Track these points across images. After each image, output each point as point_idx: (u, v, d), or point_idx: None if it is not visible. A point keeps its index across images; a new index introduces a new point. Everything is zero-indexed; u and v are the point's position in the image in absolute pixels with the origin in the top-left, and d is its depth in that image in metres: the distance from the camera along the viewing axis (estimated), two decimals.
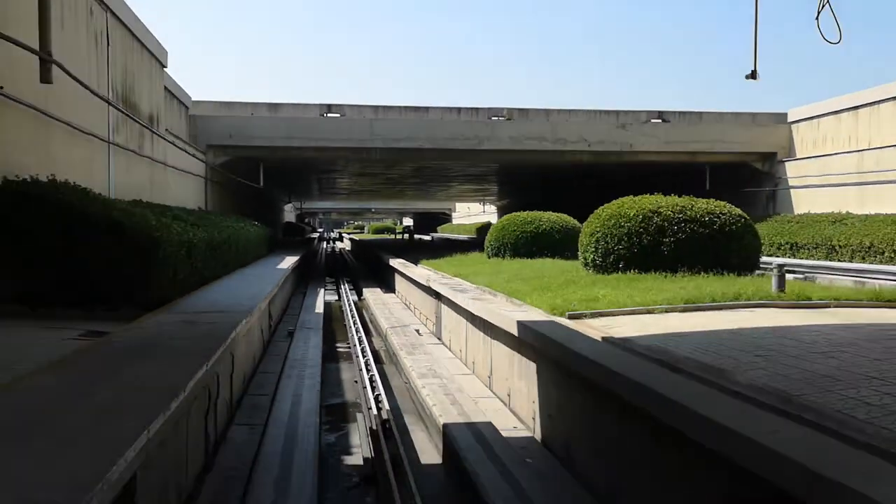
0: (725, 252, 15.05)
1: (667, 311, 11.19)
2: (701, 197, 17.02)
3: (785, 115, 33.33)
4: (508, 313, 11.01)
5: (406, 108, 33.81)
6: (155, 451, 5.09)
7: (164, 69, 22.93)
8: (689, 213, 15.46)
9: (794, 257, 27.06)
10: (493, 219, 62.71)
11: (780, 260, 21.40)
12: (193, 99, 29.34)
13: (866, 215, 25.98)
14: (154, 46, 20.92)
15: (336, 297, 29.29)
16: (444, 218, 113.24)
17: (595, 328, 9.82)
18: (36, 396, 5.49)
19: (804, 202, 30.80)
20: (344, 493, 8.49)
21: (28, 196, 10.32)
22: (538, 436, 9.21)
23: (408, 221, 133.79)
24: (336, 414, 11.92)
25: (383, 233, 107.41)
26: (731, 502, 5.05)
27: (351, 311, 23.74)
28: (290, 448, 8.73)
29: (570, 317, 10.84)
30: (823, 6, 10.57)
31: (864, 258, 24.03)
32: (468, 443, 8.75)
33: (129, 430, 4.52)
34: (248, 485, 7.59)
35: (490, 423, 9.55)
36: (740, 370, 6.90)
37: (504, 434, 9.19)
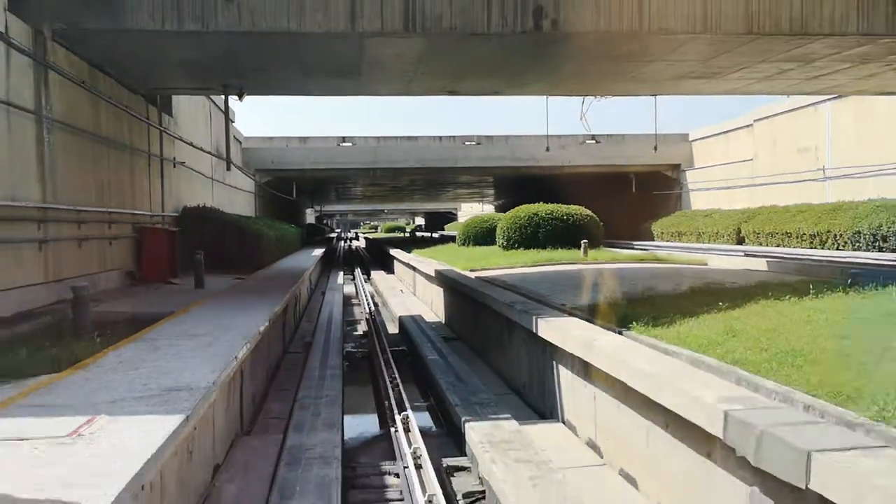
0: (576, 236, 25.76)
1: (522, 267, 22.00)
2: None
3: (687, 135, 43.97)
4: (439, 268, 21.97)
5: (401, 137, 44.83)
6: (280, 314, 16.05)
7: (233, 123, 34.12)
8: (555, 213, 26.36)
9: (679, 241, 37.81)
10: None
11: (641, 243, 32.28)
12: (245, 135, 40.53)
13: (724, 210, 36.62)
14: (231, 113, 32.06)
15: (351, 277, 40.36)
16: (451, 217, 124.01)
17: (476, 274, 20.72)
18: (228, 297, 16.58)
19: (697, 201, 41.49)
20: (354, 343, 19.45)
21: (201, 214, 21.47)
22: (441, 319, 20.26)
23: (419, 220, 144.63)
24: (351, 322, 23.00)
25: (394, 231, 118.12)
26: (491, 319, 15.96)
27: (361, 283, 34.89)
28: (330, 330, 19.68)
29: (471, 271, 21.75)
30: (585, 112, 21.48)
31: (713, 241, 34.74)
32: (408, 321, 19.78)
33: (271, 305, 15.60)
34: (312, 338, 18.53)
35: (421, 315, 20.62)
36: (523, 285, 17.72)
37: (427, 319, 20.22)
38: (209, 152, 27.89)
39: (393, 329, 20.94)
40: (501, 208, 70.84)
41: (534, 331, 10.32)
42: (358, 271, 42.37)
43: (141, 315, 10.97)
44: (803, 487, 4.21)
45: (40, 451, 4.39)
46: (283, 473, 7.54)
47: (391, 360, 14.78)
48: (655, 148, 39.29)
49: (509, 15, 13.53)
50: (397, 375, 13.34)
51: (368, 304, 26.26)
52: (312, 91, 20.05)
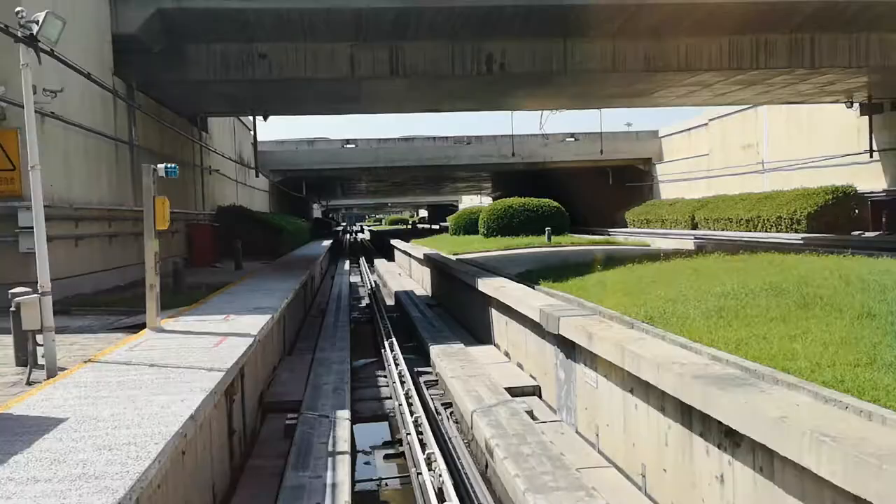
0: (545, 225, 30.60)
1: (495, 251, 26.86)
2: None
3: (657, 131, 48.73)
4: (430, 253, 26.89)
5: (399, 139, 49.74)
6: (300, 290, 20.98)
7: (251, 131, 39.05)
8: (527, 206, 31.24)
9: (647, 228, 42.61)
10: None
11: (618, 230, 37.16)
12: (259, 139, 45.45)
13: (685, 199, 41.39)
14: (248, 123, 37.05)
15: (357, 265, 45.34)
16: (453, 209, 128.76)
17: (457, 257, 25.61)
18: (264, 274, 21.57)
19: (665, 191, 46.27)
20: (359, 311, 24.38)
21: (233, 212, 26.43)
22: (429, 293, 25.22)
23: (423, 212, 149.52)
24: (356, 298, 27.98)
25: (398, 224, 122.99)
26: (459, 287, 20.86)
27: (365, 269, 39.88)
28: (338, 303, 24.63)
29: (454, 254, 26.66)
30: (545, 122, 26.37)
31: (673, 226, 39.53)
32: (402, 295, 24.75)
33: (288, 288, 20.57)
34: (326, 307, 23.46)
35: (413, 291, 25.60)
36: (487, 262, 22.59)
37: (417, 293, 25.19)
38: (234, 160, 32.92)
39: (390, 302, 25.90)
40: (497, 199, 76.09)
41: (478, 288, 15.23)
42: (362, 260, 47.40)
43: (210, 283, 15.93)
44: (555, 332, 9.18)
45: (216, 325, 9.37)
46: (316, 369, 12.53)
47: (386, 319, 19.73)
48: (579, 155, 44.80)
49: (468, 63, 18.45)
50: (390, 327, 18.29)
51: (371, 284, 31.27)
52: (323, 112, 25.08)
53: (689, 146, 44.31)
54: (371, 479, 9.15)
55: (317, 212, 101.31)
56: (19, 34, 6.78)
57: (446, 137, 49.10)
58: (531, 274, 15.70)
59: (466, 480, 8.26)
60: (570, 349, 9.27)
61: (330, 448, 8.17)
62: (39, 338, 7.12)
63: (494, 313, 14.40)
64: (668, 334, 7.71)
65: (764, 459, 5.09)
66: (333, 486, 7.13)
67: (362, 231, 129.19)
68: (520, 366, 12.28)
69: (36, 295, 6.97)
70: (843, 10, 17.94)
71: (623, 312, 9.33)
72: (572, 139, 48.77)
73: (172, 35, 16.73)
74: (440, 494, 7.47)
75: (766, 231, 30.64)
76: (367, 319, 22.30)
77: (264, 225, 26.71)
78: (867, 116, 27.51)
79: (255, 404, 9.81)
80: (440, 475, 7.83)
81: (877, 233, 26.59)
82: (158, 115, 19.66)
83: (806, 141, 32.11)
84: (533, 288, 14.05)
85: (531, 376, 11.50)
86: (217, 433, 7.10)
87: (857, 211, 28.42)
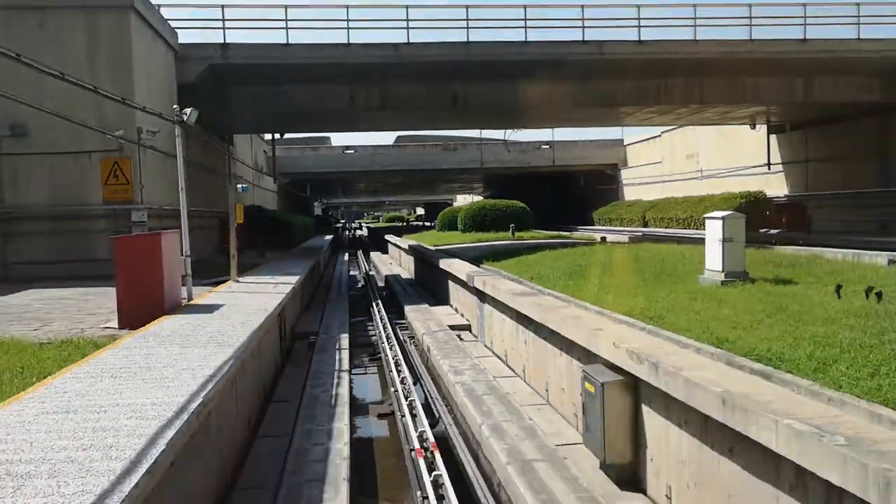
0: (513, 222, 36.64)
1: (468, 243, 33.00)
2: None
3: (622, 140, 54.77)
4: (413, 244, 32.95)
5: (392, 146, 55.76)
6: (308, 275, 27.02)
7: (264, 141, 45.09)
8: (498, 206, 37.30)
9: (609, 225, 48.65)
10: None
11: (590, 228, 43.29)
12: (265, 145, 51.45)
13: (642, 201, 47.42)
14: (264, 134, 43.11)
15: (355, 257, 51.39)
16: (449, 206, 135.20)
17: (436, 247, 31.67)
18: (283, 259, 27.66)
19: (629, 194, 52.31)
20: (355, 290, 30.43)
21: (253, 211, 32.49)
22: (412, 276, 31.32)
23: (421, 210, 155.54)
24: (354, 280, 34.05)
25: (394, 221, 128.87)
26: (431, 268, 26.90)
27: (362, 260, 45.97)
28: (340, 282, 30.67)
29: (434, 246, 32.76)
30: (508, 137, 32.44)
31: (629, 224, 45.56)
32: (391, 278, 30.86)
33: (304, 267, 26.66)
34: (330, 286, 29.49)
35: (399, 275, 31.72)
36: (456, 251, 28.61)
37: (403, 277, 31.29)
38: (251, 167, 38.96)
39: (381, 284, 31.98)
40: (488, 199, 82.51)
41: (440, 266, 21.27)
42: (360, 253, 53.49)
43: (244, 264, 21.92)
44: (473, 286, 15.27)
45: (266, 281, 15.44)
46: (326, 321, 18.60)
47: (376, 293, 25.80)
48: (553, 161, 51.22)
49: (439, 98, 24.48)
50: (378, 299, 24.36)
51: (366, 270, 37.38)
52: (327, 130, 31.02)
53: (648, 154, 50.34)
54: (361, 366, 15.23)
55: (317, 209, 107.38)
56: (174, 119, 12.83)
57: (435, 144, 55.13)
58: (480, 258, 21.77)
59: (413, 363, 14.34)
60: (482, 296, 15.32)
61: (337, 347, 14.26)
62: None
63: (449, 283, 20.48)
64: (534, 285, 13.79)
65: (538, 329, 11.13)
66: (339, 361, 13.20)
67: (361, 228, 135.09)
68: (461, 315, 18.36)
69: (185, 256, 12.99)
70: (720, 62, 23.95)
71: (517, 274, 15.42)
72: (547, 147, 54.79)
73: (218, 81, 22.73)
74: (397, 365, 13.59)
75: (697, 228, 36.66)
76: (361, 295, 28.37)
77: (277, 221, 32.69)
78: (773, 135, 33.58)
79: (288, 331, 15.87)
80: (396, 359, 13.94)
81: (778, 230, 32.62)
82: (205, 139, 25.68)
83: (732, 153, 38.15)
84: (478, 266, 20.10)
85: (466, 319, 17.58)
86: (275, 333, 13.14)
87: (768, 212, 34.45)
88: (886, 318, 7.84)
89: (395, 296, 25.13)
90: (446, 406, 11.44)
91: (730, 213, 11.77)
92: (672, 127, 44.23)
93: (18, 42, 15.78)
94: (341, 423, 9.20)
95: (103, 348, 7.98)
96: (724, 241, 11.26)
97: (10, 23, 17.01)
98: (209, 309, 11.09)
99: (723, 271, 11.26)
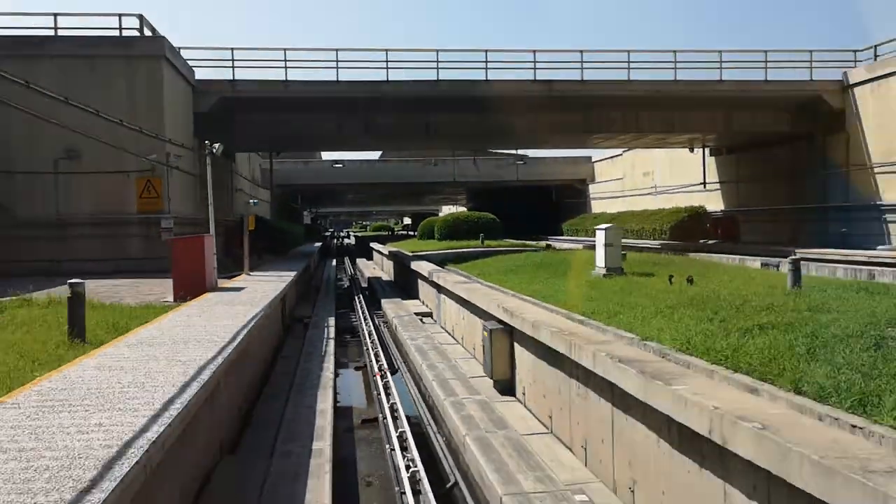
0: (481, 232, 41.00)
1: (442, 250, 37.35)
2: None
3: (590, 157, 59.41)
4: (393, 250, 37.31)
5: (377, 160, 60.17)
6: (302, 273, 31.28)
7: (260, 156, 49.37)
8: (470, 217, 41.72)
9: (575, 236, 53.16)
10: None
11: (551, 238, 47.79)
12: (260, 159, 55.73)
13: (606, 213, 51.96)
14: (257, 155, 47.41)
15: (343, 264, 55.63)
16: (435, 216, 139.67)
17: (412, 253, 36.03)
18: (279, 261, 31.96)
19: (596, 207, 56.90)
20: (338, 291, 34.74)
21: (256, 219, 36.77)
22: (392, 278, 35.69)
23: (408, 220, 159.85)
24: (340, 282, 38.36)
25: (381, 230, 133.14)
26: (406, 270, 31.26)
27: (348, 265, 50.29)
28: (328, 283, 34.94)
29: (412, 252, 37.12)
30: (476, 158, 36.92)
31: (591, 235, 50.00)
32: (373, 280, 35.22)
33: (298, 267, 30.98)
34: (319, 287, 33.75)
35: (380, 277, 36.10)
36: (429, 255, 32.95)
37: (384, 279, 35.65)
38: (248, 179, 43.26)
39: (364, 285, 36.29)
40: (471, 209, 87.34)
41: (412, 267, 25.61)
42: (347, 259, 57.77)
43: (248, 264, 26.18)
44: (434, 281, 19.65)
45: (271, 274, 19.74)
46: (316, 310, 22.90)
47: (359, 291, 30.11)
48: (517, 176, 55.82)
49: (413, 126, 28.91)
50: (360, 296, 28.67)
51: (352, 274, 41.68)
52: (318, 151, 35.33)
53: (611, 171, 54.96)
54: (344, 342, 19.56)
55: (307, 218, 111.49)
56: (207, 150, 17.14)
57: (417, 160, 59.59)
58: (445, 261, 26.17)
59: (383, 338, 18.69)
60: (439, 288, 19.65)
61: (325, 325, 18.58)
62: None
63: (418, 280, 24.85)
64: (489, 283, 18.15)
65: (469, 306, 15.47)
66: (328, 338, 17.50)
67: (349, 237, 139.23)
68: (426, 305, 22.71)
69: (213, 254, 17.26)
70: (651, 98, 28.51)
71: (467, 272, 19.81)
72: (521, 162, 59.37)
73: (227, 110, 27.04)
74: (370, 336, 17.94)
75: (647, 239, 41.24)
76: (346, 293, 32.66)
77: (273, 229, 36.88)
78: (713, 157, 38.25)
79: (287, 315, 20.14)
80: (370, 332, 18.30)
81: (714, 241, 37.20)
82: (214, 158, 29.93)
83: (680, 172, 42.77)
84: (443, 267, 24.44)
85: (429, 308, 21.93)
86: (278, 314, 17.42)
87: (708, 225, 39.06)
88: (680, 293, 12.24)
89: (375, 293, 29.43)
90: (402, 359, 15.79)
91: (611, 225, 16.23)
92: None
93: (75, 83, 20.19)
94: (328, 368, 13.50)
95: (180, 306, 12.30)
96: (606, 245, 15.70)
97: (68, 69, 21.31)
98: (236, 290, 15.42)
99: (605, 267, 15.67)
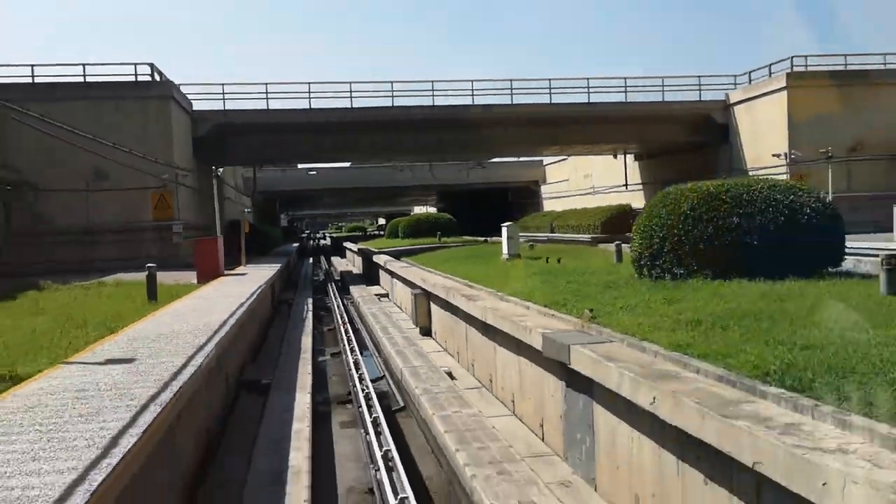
0: (440, 231, 46.87)
1: (405, 246, 43.24)
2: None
3: (542, 160, 65.59)
4: (361, 248, 43.07)
5: (352, 167, 65.88)
6: (282, 271, 36.93)
7: (243, 167, 54.86)
8: (429, 218, 47.69)
9: (527, 233, 59.17)
10: None
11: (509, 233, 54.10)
12: (242, 169, 61.22)
13: (554, 212, 58.08)
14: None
15: (319, 263, 61.25)
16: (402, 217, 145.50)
17: (378, 249, 41.83)
18: (264, 259, 37.68)
19: (547, 206, 63.03)
20: (315, 283, 40.45)
21: (238, 224, 42.44)
22: (361, 272, 41.52)
23: (382, 221, 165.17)
24: (316, 276, 44.10)
25: (355, 231, 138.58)
26: (372, 263, 37.04)
27: (324, 262, 56.05)
28: (305, 279, 40.59)
29: (378, 248, 42.97)
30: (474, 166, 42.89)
31: (539, 231, 56.13)
32: (345, 273, 41.01)
33: (281, 262, 36.71)
34: (297, 283, 39.39)
35: (351, 271, 41.95)
36: (391, 251, 38.77)
37: (354, 272, 41.48)
38: (233, 187, 48.84)
39: (337, 278, 42.06)
40: (441, 210, 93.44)
41: (374, 260, 31.45)
42: (322, 258, 63.45)
43: (240, 260, 31.88)
44: (388, 269, 25.57)
45: (263, 266, 25.51)
46: (298, 297, 28.68)
47: (333, 282, 35.92)
48: (468, 179, 61.82)
49: (377, 143, 34.74)
50: (334, 285, 34.47)
51: (326, 269, 47.47)
52: (300, 162, 41.07)
53: (559, 173, 61.17)
54: (319, 317, 25.36)
55: (283, 221, 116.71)
56: (213, 174, 22.86)
57: (388, 165, 65.38)
58: (401, 254, 32.03)
59: (350, 312, 24.56)
60: (392, 274, 25.48)
61: (305, 304, 24.40)
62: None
63: (379, 270, 30.72)
64: (423, 267, 24.04)
65: (408, 283, 21.35)
66: (307, 311, 23.28)
67: (325, 238, 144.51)
68: (383, 288, 28.57)
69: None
70: (573, 116, 34.57)
71: (414, 261, 25.71)
72: (481, 167, 65.43)
73: (221, 134, 32.68)
74: (339, 308, 23.83)
75: (584, 233, 47.37)
76: (322, 285, 38.44)
77: (258, 232, 42.48)
78: (636, 162, 44.51)
79: (275, 298, 25.85)
80: (339, 308, 24.19)
81: None
82: (208, 171, 35.58)
83: (613, 174, 49.00)
84: (399, 259, 30.26)
85: (385, 290, 27.82)
86: (268, 296, 23.15)
87: (631, 220, 45.22)
88: (547, 269, 18.19)
89: (346, 283, 35.22)
90: (361, 322, 21.70)
91: (510, 223, 22.27)
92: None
93: (103, 118, 25.80)
94: (308, 327, 19.27)
95: (206, 284, 18.08)
96: (509, 238, 21.69)
97: (100, 107, 26.89)
98: (240, 275, 21.23)
99: (507, 254, 21.65)
